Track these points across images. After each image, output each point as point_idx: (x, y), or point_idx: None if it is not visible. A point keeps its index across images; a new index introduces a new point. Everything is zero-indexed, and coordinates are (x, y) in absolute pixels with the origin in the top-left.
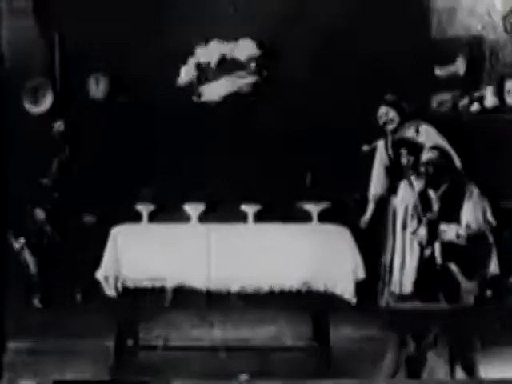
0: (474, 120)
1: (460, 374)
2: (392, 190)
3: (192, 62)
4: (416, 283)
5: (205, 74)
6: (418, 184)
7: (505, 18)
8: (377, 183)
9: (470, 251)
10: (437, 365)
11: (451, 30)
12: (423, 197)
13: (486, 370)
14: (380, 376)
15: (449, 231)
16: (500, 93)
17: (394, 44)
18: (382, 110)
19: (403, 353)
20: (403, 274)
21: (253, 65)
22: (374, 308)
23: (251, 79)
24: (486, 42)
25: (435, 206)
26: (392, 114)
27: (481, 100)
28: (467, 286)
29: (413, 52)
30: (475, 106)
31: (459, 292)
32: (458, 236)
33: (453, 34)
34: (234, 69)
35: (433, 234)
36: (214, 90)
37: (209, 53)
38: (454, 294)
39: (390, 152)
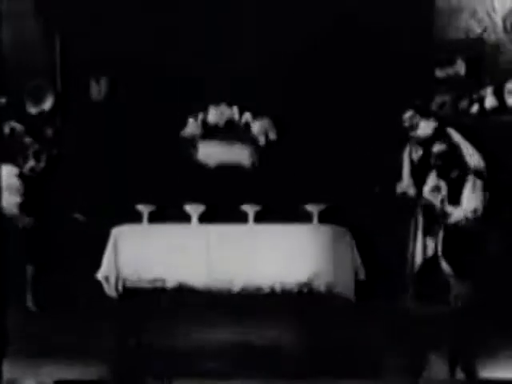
0: (474, 121)
1: (460, 374)
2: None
3: (200, 117)
4: (420, 284)
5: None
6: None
7: (505, 18)
8: (404, 181)
9: (464, 251)
10: (437, 365)
11: (451, 31)
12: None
13: (486, 371)
14: (381, 377)
15: (455, 213)
16: (500, 94)
17: (395, 46)
18: (408, 114)
19: (403, 353)
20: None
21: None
22: (375, 308)
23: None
24: (486, 44)
25: (443, 195)
26: (417, 119)
27: (481, 101)
28: (457, 286)
29: (413, 54)
30: (475, 107)
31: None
32: (465, 218)
33: (453, 35)
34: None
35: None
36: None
37: (219, 114)
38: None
39: (413, 156)
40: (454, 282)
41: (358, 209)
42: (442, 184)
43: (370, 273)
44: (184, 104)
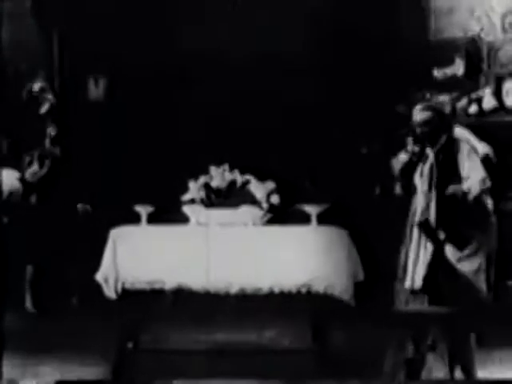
0: (472, 121)
1: (459, 374)
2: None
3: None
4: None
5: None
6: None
7: (504, 18)
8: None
9: (463, 221)
10: (436, 365)
11: (449, 31)
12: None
13: (485, 371)
14: (379, 377)
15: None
16: (498, 94)
17: (392, 45)
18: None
19: (403, 354)
20: (415, 270)
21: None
22: (374, 309)
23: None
24: (484, 43)
25: (431, 163)
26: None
27: (479, 101)
28: (456, 256)
29: (410, 53)
30: (473, 108)
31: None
32: (473, 192)
33: (451, 35)
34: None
35: None
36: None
37: (222, 177)
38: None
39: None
40: (450, 251)
41: (357, 210)
42: (430, 153)
43: (369, 274)
44: (184, 105)
